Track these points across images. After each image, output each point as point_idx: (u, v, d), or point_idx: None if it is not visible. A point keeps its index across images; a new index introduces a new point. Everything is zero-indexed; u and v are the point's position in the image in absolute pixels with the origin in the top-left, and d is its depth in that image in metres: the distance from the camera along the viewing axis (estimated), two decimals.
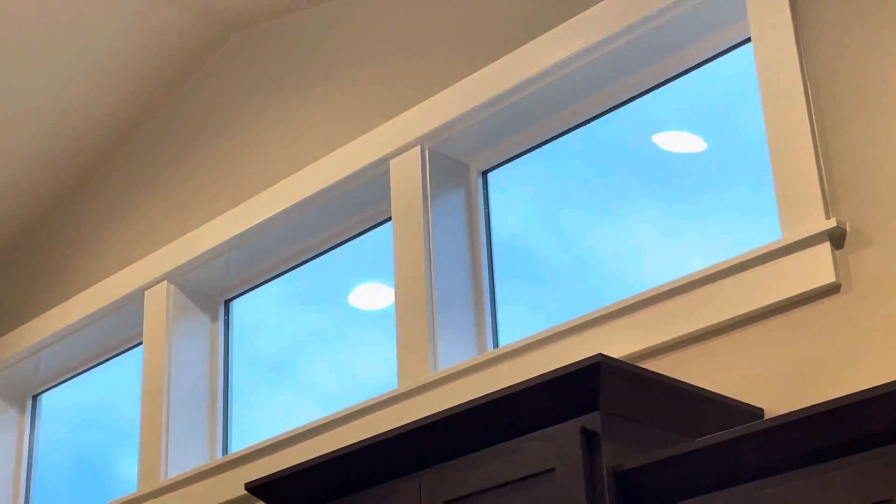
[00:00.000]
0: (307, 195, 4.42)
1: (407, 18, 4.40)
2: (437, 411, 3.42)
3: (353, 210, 4.45)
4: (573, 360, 3.31)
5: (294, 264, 4.71)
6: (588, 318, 3.50)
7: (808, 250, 3.12)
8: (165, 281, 4.87)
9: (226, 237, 4.67)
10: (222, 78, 5.05)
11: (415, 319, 3.96)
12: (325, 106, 4.56)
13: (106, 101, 5.19)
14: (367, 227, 4.47)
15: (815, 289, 3.09)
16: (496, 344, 3.99)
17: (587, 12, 3.79)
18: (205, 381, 4.81)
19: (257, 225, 4.57)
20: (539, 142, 4.05)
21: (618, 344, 3.41)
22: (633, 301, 3.42)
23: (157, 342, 4.82)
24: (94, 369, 5.45)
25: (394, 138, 4.20)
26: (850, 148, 3.15)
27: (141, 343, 5.06)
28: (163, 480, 4.62)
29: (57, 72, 5.04)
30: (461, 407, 2.95)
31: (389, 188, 4.21)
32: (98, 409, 5.47)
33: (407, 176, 4.13)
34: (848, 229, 3.10)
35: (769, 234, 3.30)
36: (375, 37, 4.48)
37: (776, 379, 3.11)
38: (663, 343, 3.34)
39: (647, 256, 3.75)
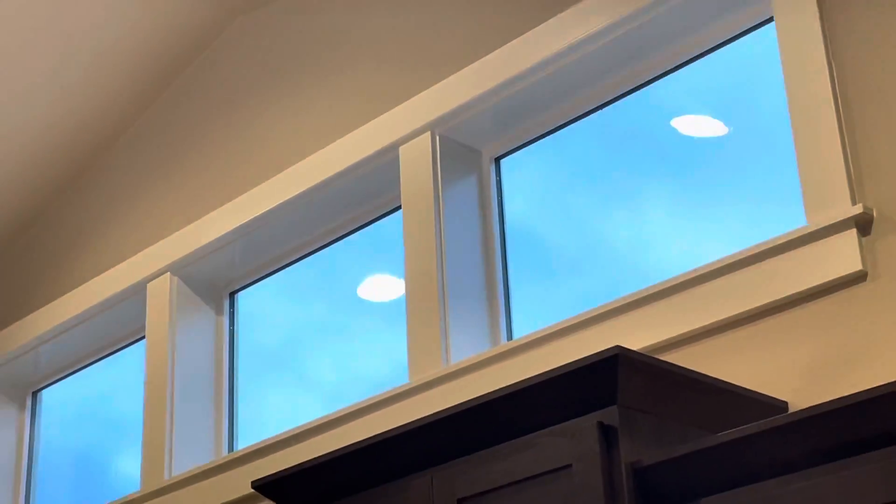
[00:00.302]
0: (314, 184, 4.41)
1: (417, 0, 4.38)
2: (449, 406, 3.41)
3: (362, 199, 4.44)
4: (590, 353, 3.28)
5: (301, 255, 4.70)
6: (605, 309, 3.48)
7: (833, 237, 3.09)
8: (168, 273, 4.87)
9: (231, 227, 4.67)
10: (226, 63, 5.05)
11: (426, 311, 3.94)
12: (333, 91, 4.55)
13: (106, 88, 5.20)
14: (376, 216, 4.46)
15: (840, 277, 3.06)
16: (510, 336, 3.97)
17: None
18: (209, 375, 4.81)
19: (263, 215, 4.57)
20: (553, 127, 4.03)
21: (636, 336, 3.38)
22: (652, 291, 3.40)
23: (160, 336, 4.82)
24: (95, 364, 5.46)
25: (403, 124, 4.18)
26: (877, 131, 3.11)
27: (143, 337, 5.06)
28: (167, 478, 4.62)
29: (55, 59, 5.04)
30: (474, 401, 2.92)
31: (399, 176, 4.20)
32: (100, 405, 5.51)
33: (417, 163, 4.11)
34: (875, 215, 3.06)
35: (793, 221, 3.27)
36: (384, 19, 4.47)
37: (800, 371, 3.07)
38: (683, 335, 3.31)
39: (667, 245, 3.74)
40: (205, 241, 4.73)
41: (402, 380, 3.97)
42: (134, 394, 5.06)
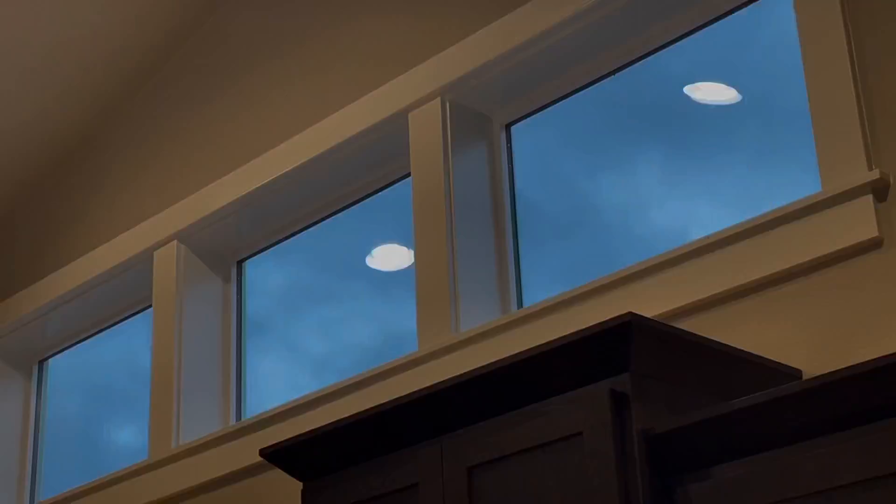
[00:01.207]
0: (322, 151, 4.39)
1: None
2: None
3: (371, 166, 4.42)
4: (602, 320, 3.22)
5: (308, 224, 4.69)
6: (617, 277, 3.47)
7: (849, 203, 3.07)
8: (176, 241, 4.86)
9: (238, 195, 4.65)
10: (232, 28, 5.03)
11: (435, 280, 3.93)
12: (340, 57, 4.52)
13: (111, 56, 5.18)
14: (385, 184, 4.44)
15: (856, 244, 3.05)
16: (521, 304, 3.96)
17: None
18: (217, 344, 4.80)
19: (270, 182, 4.55)
20: (565, 93, 4.01)
21: (649, 303, 3.35)
22: (665, 258, 3.38)
23: (168, 304, 4.81)
24: (101, 333, 5.45)
25: (412, 90, 4.16)
26: (894, 95, 3.08)
27: (150, 306, 5.04)
28: (174, 447, 4.62)
29: (59, 30, 5.02)
30: (485, 369, 2.92)
31: (408, 143, 4.18)
32: (106, 374, 5.51)
33: (426, 130, 4.09)
34: (891, 181, 3.04)
35: (808, 188, 3.24)
36: None
37: (814, 338, 3.06)
38: (696, 302, 3.29)
39: (680, 212, 3.73)
40: (212, 208, 4.72)
41: (412, 348, 3.96)
42: (141, 362, 5.06)
